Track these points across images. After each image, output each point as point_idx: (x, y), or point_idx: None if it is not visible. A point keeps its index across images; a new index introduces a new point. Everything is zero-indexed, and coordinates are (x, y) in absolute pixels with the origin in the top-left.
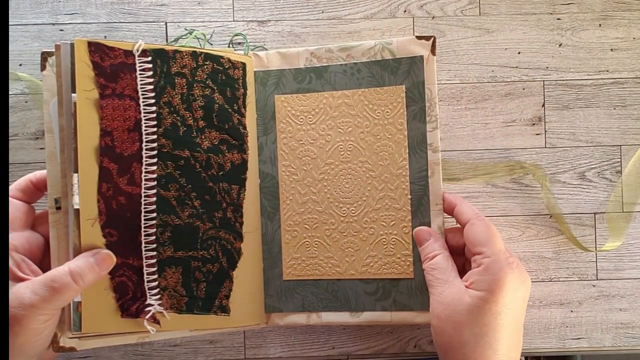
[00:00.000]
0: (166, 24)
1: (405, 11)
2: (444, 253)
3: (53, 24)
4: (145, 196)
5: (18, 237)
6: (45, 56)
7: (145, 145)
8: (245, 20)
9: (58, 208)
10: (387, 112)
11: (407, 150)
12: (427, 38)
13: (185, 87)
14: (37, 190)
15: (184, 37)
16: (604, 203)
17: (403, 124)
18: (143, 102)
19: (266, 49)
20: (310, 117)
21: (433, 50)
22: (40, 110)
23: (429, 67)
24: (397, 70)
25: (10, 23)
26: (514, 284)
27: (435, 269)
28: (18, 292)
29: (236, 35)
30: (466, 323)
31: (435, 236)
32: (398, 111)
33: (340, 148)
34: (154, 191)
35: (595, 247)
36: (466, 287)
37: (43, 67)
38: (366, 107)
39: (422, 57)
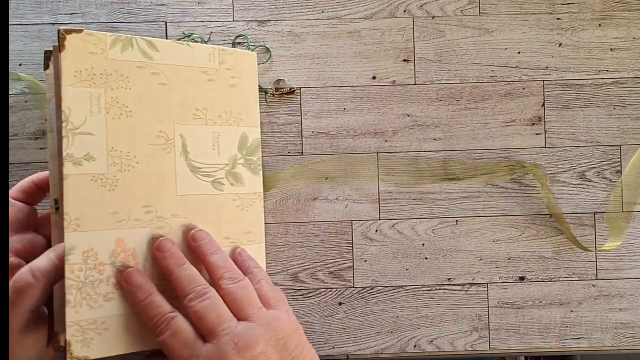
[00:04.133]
0: (166, 24)
1: (405, 11)
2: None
3: (53, 24)
4: None
5: (20, 240)
6: (48, 55)
7: None
8: (245, 20)
9: (57, 209)
10: None
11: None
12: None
13: None
14: (39, 191)
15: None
16: (604, 203)
17: None
18: None
19: (268, 49)
20: None
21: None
22: (40, 110)
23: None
24: None
25: (10, 23)
26: None
27: None
28: None
29: (238, 36)
30: None
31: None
32: None
33: None
34: None
35: (595, 247)
36: None
37: (46, 67)
38: None
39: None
